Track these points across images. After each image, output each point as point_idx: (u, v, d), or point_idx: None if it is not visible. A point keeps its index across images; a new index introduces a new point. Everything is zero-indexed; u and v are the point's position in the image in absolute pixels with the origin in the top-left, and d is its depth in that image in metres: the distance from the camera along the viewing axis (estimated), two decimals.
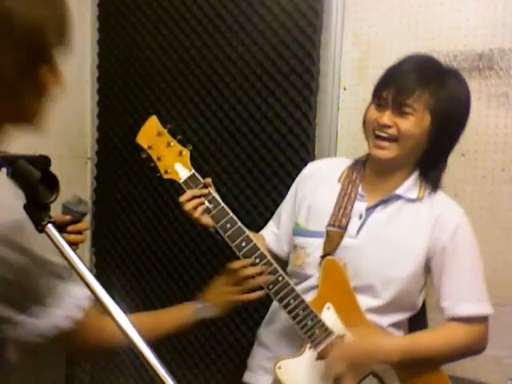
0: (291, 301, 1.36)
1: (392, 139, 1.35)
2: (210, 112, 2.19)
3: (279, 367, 1.38)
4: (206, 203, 1.38)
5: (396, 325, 1.44)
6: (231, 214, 1.38)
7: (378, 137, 1.36)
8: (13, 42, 0.87)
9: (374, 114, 1.37)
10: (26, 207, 0.79)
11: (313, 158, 2.00)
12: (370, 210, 1.42)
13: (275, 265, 1.38)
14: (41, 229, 0.79)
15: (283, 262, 1.54)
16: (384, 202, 1.42)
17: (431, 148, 1.38)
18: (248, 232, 1.39)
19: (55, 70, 0.96)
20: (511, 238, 1.77)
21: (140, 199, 2.38)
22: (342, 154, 1.94)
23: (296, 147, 2.02)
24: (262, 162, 2.10)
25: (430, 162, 1.42)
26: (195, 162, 2.20)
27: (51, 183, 0.80)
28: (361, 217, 1.42)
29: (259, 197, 2.11)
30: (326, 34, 1.96)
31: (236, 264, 1.37)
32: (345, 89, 1.99)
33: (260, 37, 2.07)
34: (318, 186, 1.51)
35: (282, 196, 2.05)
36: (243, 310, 2.12)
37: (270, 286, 1.37)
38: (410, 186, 1.42)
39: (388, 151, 1.36)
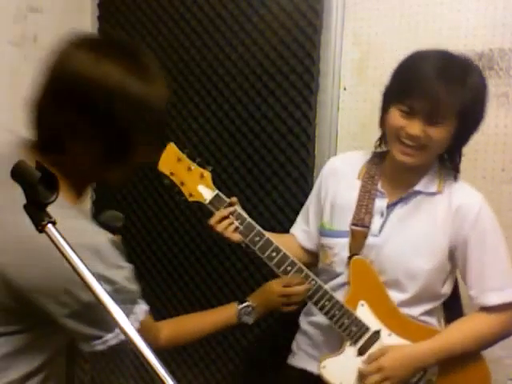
0: (326, 303, 1.42)
1: (420, 147, 1.34)
2: (210, 112, 2.19)
3: (324, 367, 1.43)
4: (233, 220, 1.45)
5: (428, 313, 1.46)
6: (258, 227, 1.45)
7: (405, 144, 1.35)
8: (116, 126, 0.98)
9: (400, 121, 1.34)
10: (26, 207, 0.80)
11: (313, 158, 2.00)
12: (390, 207, 1.44)
13: (306, 270, 1.44)
14: (41, 229, 0.79)
15: (317, 257, 1.60)
16: (404, 198, 1.44)
17: (452, 145, 1.39)
18: (276, 242, 1.44)
19: (149, 149, 1.10)
20: (511, 237, 1.77)
21: (140, 199, 2.37)
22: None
23: (296, 147, 2.02)
24: (261, 162, 2.10)
25: (449, 155, 1.44)
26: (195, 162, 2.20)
27: (51, 183, 0.80)
28: (382, 214, 1.44)
29: (259, 197, 2.10)
30: (326, 34, 1.96)
31: (290, 280, 1.43)
32: (345, 89, 1.99)
33: (260, 37, 2.06)
34: (338, 183, 1.53)
35: (282, 196, 2.06)
36: None
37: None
38: (429, 180, 1.43)
39: (415, 158, 1.36)
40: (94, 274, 0.93)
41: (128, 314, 1.05)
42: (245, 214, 1.46)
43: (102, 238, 1.00)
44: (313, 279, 1.43)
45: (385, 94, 1.43)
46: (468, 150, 1.80)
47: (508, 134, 1.76)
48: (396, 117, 1.35)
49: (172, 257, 2.33)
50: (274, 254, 1.43)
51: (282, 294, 1.43)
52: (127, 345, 0.73)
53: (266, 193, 2.09)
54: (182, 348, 2.31)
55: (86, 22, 2.43)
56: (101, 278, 0.94)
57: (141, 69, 1.02)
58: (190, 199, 1.48)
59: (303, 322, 1.60)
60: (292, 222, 1.74)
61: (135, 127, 1.01)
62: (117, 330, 1.03)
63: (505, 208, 1.77)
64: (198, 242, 2.25)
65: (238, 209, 1.46)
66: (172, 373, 0.70)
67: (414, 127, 1.31)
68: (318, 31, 1.95)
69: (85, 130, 0.98)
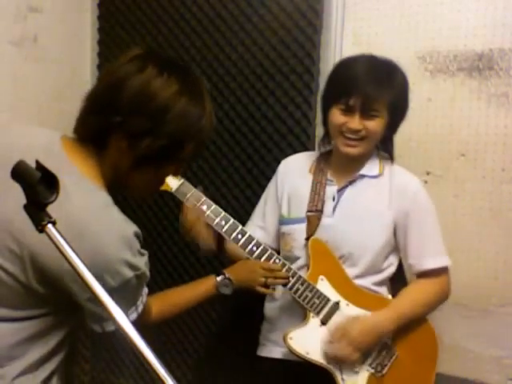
0: (291, 279, 1.54)
1: (361, 138, 1.52)
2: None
3: (290, 338, 1.53)
4: (201, 207, 1.54)
5: (378, 283, 1.61)
6: (224, 212, 1.54)
7: (347, 137, 1.53)
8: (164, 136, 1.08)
9: (341, 118, 1.51)
10: (25, 207, 0.80)
11: None
12: (340, 191, 1.61)
13: (270, 250, 1.56)
14: (41, 229, 0.79)
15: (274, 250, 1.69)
16: (351, 182, 1.61)
17: (386, 134, 1.57)
18: (241, 226, 1.56)
19: (180, 168, 1.19)
20: (511, 237, 1.77)
21: (140, 199, 2.37)
22: None
23: (296, 147, 2.02)
24: (262, 162, 2.10)
25: (385, 142, 1.62)
26: (195, 162, 2.21)
27: (51, 183, 0.80)
28: (334, 198, 1.61)
29: (259, 197, 2.10)
30: (325, 34, 1.96)
31: (273, 266, 1.54)
32: None
33: (260, 37, 2.07)
34: (293, 178, 1.69)
35: None
36: (243, 310, 2.12)
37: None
38: (371, 165, 1.61)
39: (358, 148, 1.54)
40: (122, 261, 1.02)
41: (139, 296, 1.13)
42: (211, 201, 1.55)
43: (130, 227, 1.09)
44: (277, 257, 1.55)
45: (323, 97, 1.62)
46: (468, 150, 1.81)
47: (508, 134, 1.76)
48: (337, 115, 1.52)
49: (172, 257, 2.33)
50: (240, 237, 1.54)
51: (264, 275, 1.52)
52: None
53: None
54: (182, 348, 2.31)
55: (86, 21, 2.43)
56: (127, 264, 1.03)
57: (195, 90, 1.15)
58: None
59: (267, 308, 1.73)
60: None
61: (181, 144, 1.12)
62: (128, 312, 1.10)
63: (505, 208, 1.77)
64: None
65: (204, 196, 1.55)
66: (172, 373, 0.70)
67: (354, 122, 1.49)
68: (318, 31, 1.95)
69: (135, 131, 1.07)
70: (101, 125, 1.08)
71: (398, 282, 1.65)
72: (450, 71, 1.82)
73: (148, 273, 1.12)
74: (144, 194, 1.27)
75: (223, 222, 1.53)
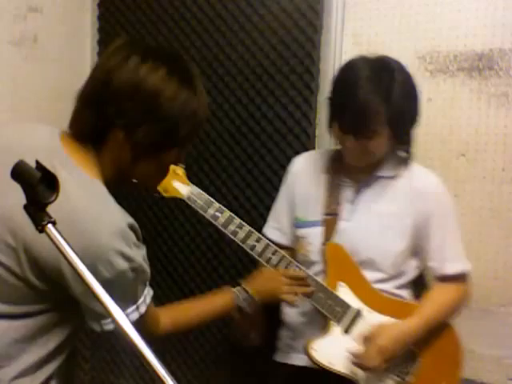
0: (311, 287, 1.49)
1: (363, 154, 1.46)
2: (210, 112, 2.18)
3: (312, 348, 1.49)
4: (215, 213, 1.50)
5: (400, 287, 1.56)
6: (238, 219, 1.51)
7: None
8: (159, 122, 1.08)
9: (339, 134, 1.47)
10: (25, 207, 0.80)
11: None
12: (357, 193, 1.55)
13: (289, 258, 1.51)
14: (41, 229, 0.79)
15: (294, 252, 1.66)
16: (368, 184, 1.55)
17: (397, 138, 1.48)
18: (257, 233, 1.52)
19: (180, 153, 1.18)
20: (511, 237, 1.77)
21: (140, 199, 2.38)
22: None
23: (296, 147, 2.02)
24: (262, 162, 2.10)
25: (399, 144, 1.53)
26: (195, 162, 2.21)
27: (51, 183, 0.80)
28: (350, 201, 1.55)
29: (259, 197, 2.10)
30: (325, 34, 1.96)
31: (295, 273, 1.49)
32: None
33: (260, 37, 2.06)
34: (306, 179, 1.64)
35: None
36: None
37: None
38: (388, 165, 1.55)
39: (362, 161, 1.50)
40: (115, 252, 1.00)
41: (140, 295, 1.10)
42: (224, 207, 1.51)
43: (126, 218, 1.07)
44: (296, 265, 1.50)
45: (328, 106, 1.53)
46: (468, 150, 1.81)
47: (508, 134, 1.76)
48: (336, 130, 1.48)
49: (172, 257, 2.33)
50: (255, 244, 1.50)
51: (287, 283, 1.47)
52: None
53: (266, 193, 2.09)
54: (182, 348, 2.31)
55: (86, 21, 2.43)
56: (121, 255, 1.01)
57: (184, 73, 1.13)
58: (166, 195, 1.51)
59: (286, 315, 1.67)
60: None
61: (177, 126, 1.11)
62: (128, 311, 1.07)
63: (505, 208, 1.77)
64: (198, 242, 2.25)
65: (216, 203, 1.51)
66: (172, 373, 0.70)
67: (350, 142, 1.44)
68: (318, 31, 1.95)
69: (130, 121, 1.07)
70: (95, 120, 1.08)
71: (418, 284, 1.62)
72: (449, 71, 1.82)
73: (146, 268, 1.09)
74: (150, 186, 1.26)
75: (238, 229, 1.50)
